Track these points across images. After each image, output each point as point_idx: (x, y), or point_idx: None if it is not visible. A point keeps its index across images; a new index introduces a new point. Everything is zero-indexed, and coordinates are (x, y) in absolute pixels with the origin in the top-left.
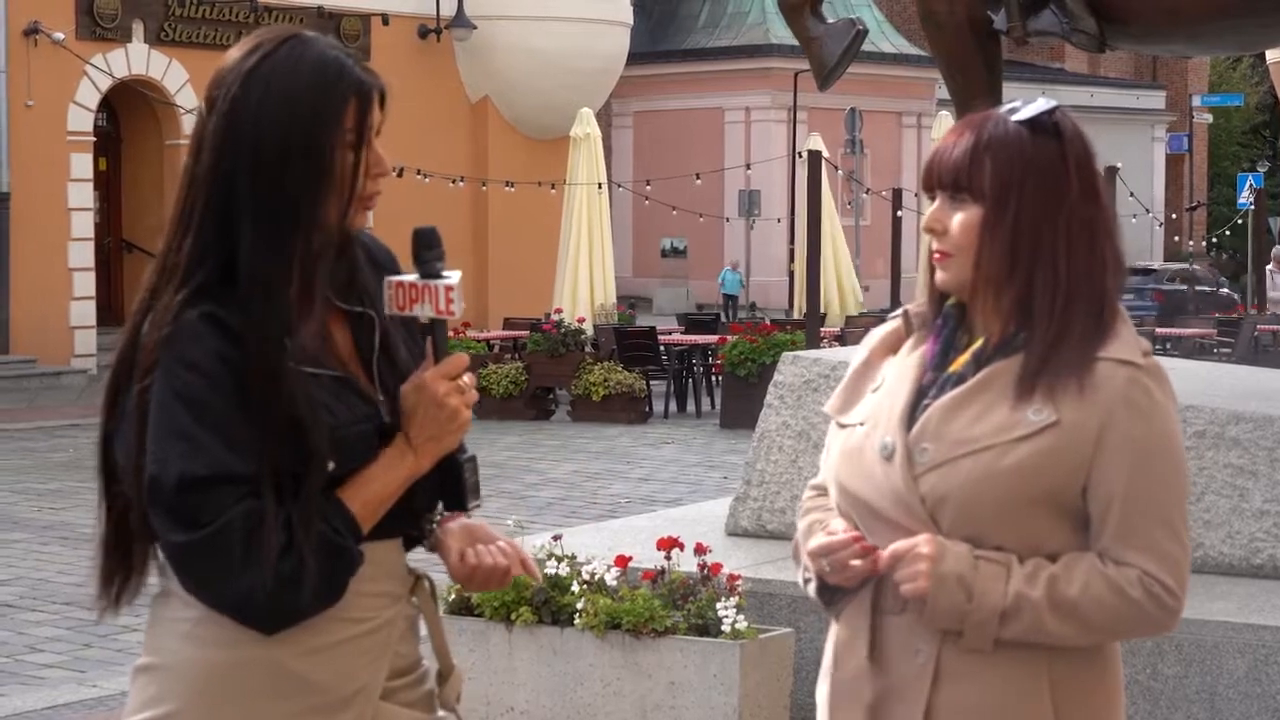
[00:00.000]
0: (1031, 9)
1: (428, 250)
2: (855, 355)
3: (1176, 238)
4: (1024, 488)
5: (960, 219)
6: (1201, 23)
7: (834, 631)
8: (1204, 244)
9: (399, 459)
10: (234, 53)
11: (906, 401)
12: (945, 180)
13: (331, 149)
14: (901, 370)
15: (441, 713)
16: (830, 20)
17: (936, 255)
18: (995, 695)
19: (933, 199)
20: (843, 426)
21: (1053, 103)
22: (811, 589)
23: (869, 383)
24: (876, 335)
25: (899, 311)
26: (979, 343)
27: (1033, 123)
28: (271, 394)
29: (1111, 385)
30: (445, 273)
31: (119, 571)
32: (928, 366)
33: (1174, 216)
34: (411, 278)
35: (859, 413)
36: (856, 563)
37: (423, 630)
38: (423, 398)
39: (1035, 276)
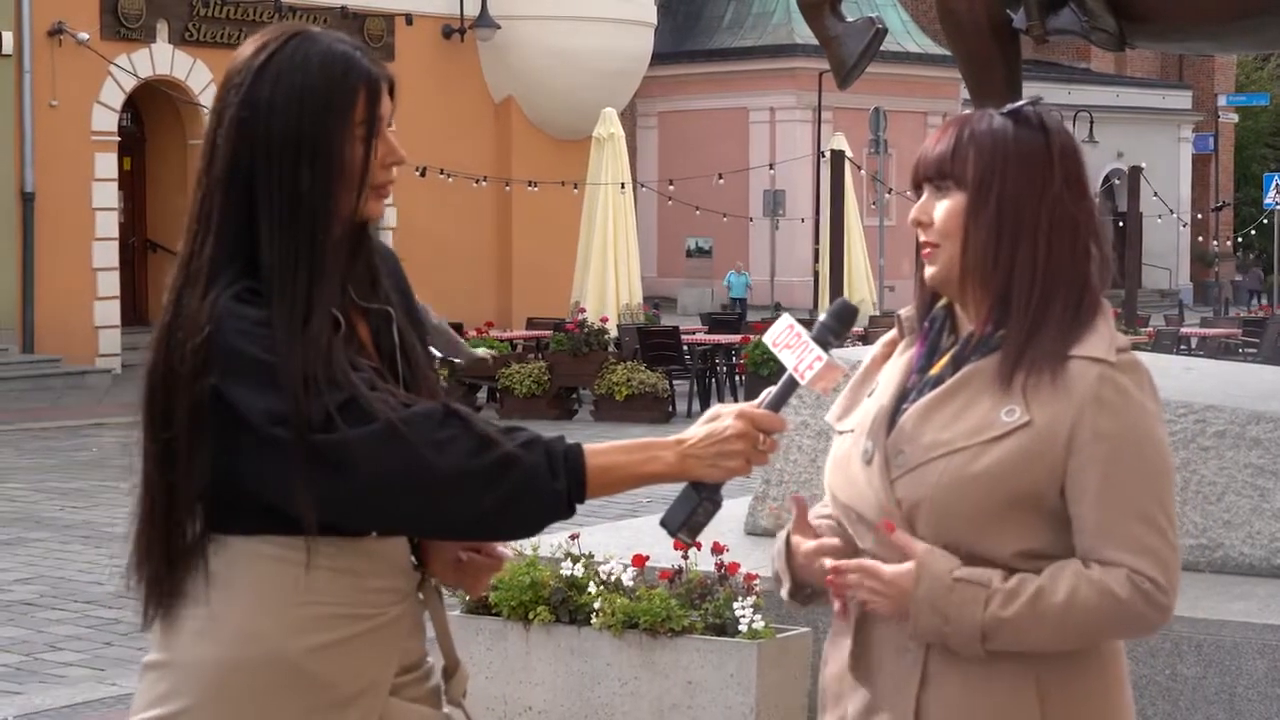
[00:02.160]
0: (1051, 7)
1: (836, 321)
2: (861, 362)
3: (1201, 238)
4: (997, 489)
5: (945, 206)
6: (1222, 21)
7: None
8: (1229, 244)
9: (657, 451)
10: (243, 51)
11: (889, 406)
12: (930, 171)
13: (343, 141)
14: (890, 375)
15: (448, 708)
16: (850, 19)
17: (925, 250)
18: (982, 694)
19: (920, 195)
20: (840, 434)
21: (1038, 97)
22: (785, 590)
23: (866, 389)
24: (879, 342)
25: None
26: (959, 344)
27: (1016, 115)
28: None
29: (1082, 384)
30: (831, 351)
31: (162, 572)
32: (913, 370)
33: (1199, 217)
34: (802, 329)
35: (852, 419)
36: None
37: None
38: (725, 422)
39: (1016, 264)
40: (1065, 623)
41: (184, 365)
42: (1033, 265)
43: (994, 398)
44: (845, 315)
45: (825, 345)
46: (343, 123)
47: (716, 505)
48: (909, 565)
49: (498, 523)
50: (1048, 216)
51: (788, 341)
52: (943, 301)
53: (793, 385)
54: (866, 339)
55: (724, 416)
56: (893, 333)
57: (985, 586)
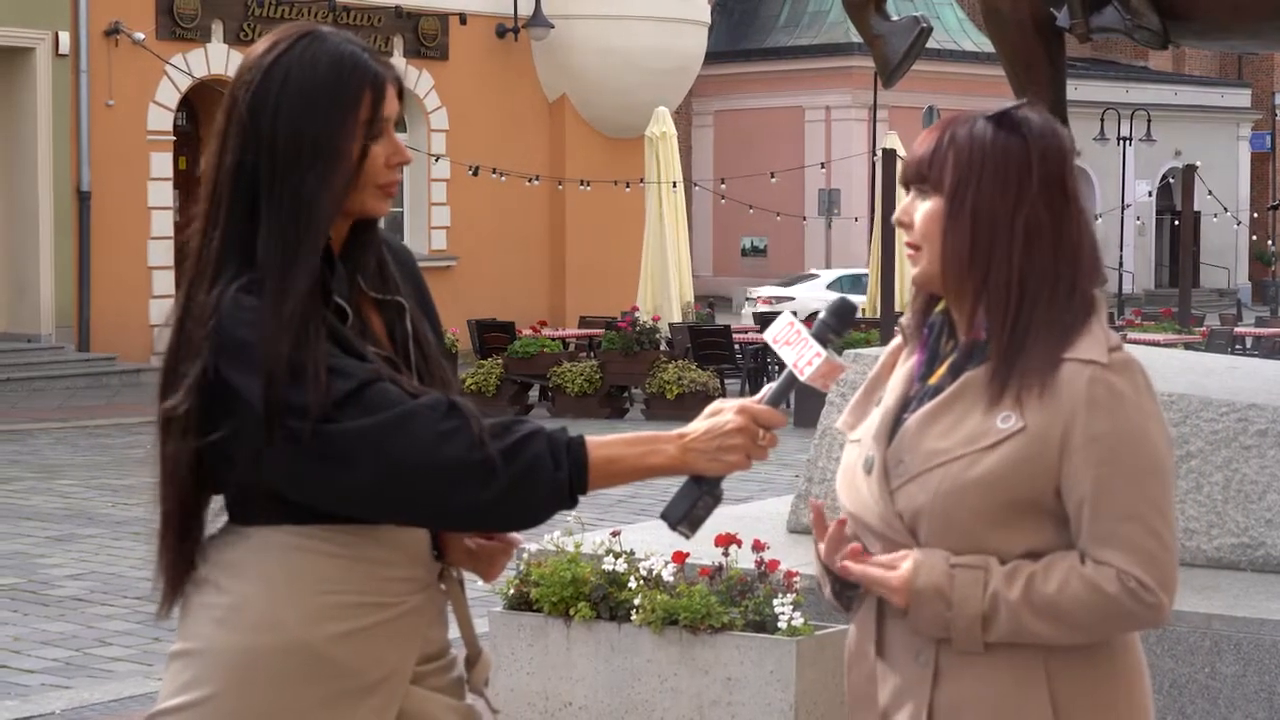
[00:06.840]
0: (1094, 5)
1: (835, 318)
2: (871, 370)
3: (1256, 236)
4: (994, 495)
5: (924, 209)
6: (1263, 19)
7: (849, 634)
8: None
9: (659, 444)
10: (255, 49)
11: (891, 415)
12: (911, 174)
13: (346, 140)
14: (895, 383)
15: (470, 697)
16: (895, 17)
17: (909, 252)
18: (993, 692)
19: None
20: (850, 443)
21: (1023, 99)
22: (828, 592)
23: (875, 397)
24: (888, 348)
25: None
26: (957, 351)
27: (1000, 118)
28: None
29: (1074, 386)
30: (829, 349)
31: (182, 564)
32: (914, 378)
33: (1255, 216)
34: (802, 327)
35: (861, 429)
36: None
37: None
38: (725, 417)
39: (992, 268)
40: (1056, 613)
41: (193, 357)
42: (1008, 269)
43: (989, 405)
44: (844, 313)
45: (824, 342)
46: (348, 122)
47: (717, 499)
48: (906, 563)
49: (500, 513)
50: (1024, 221)
51: (788, 338)
52: (940, 306)
53: (792, 381)
54: None
55: (725, 411)
56: (898, 340)
57: (984, 569)
